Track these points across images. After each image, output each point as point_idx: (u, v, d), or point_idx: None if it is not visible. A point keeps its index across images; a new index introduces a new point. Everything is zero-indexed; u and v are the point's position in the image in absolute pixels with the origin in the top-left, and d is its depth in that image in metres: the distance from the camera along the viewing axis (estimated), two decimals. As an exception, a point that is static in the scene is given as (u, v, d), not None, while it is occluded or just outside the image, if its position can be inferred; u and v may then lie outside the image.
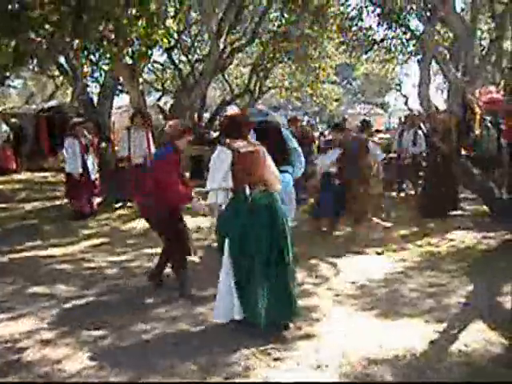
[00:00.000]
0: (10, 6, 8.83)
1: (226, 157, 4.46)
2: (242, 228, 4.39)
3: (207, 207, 5.07)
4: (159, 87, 26.44)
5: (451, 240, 7.55)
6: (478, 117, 9.72)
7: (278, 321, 4.42)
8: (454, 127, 9.05)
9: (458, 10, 12.38)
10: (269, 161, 4.63)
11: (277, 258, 4.36)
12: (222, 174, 4.48)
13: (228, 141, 4.56)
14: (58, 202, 10.73)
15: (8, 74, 19.31)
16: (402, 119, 19.16)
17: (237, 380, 3.67)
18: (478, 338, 4.23)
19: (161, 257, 5.69)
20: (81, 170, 9.19)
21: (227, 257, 4.41)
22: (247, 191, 4.44)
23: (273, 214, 4.43)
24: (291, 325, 4.51)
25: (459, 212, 9.26)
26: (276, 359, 3.95)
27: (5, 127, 15.34)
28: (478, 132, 10.36)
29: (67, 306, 5.20)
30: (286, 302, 4.40)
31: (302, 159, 6.43)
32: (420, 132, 10.25)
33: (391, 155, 11.72)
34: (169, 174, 5.22)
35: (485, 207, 9.23)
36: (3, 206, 10.71)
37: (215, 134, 16.01)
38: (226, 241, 4.44)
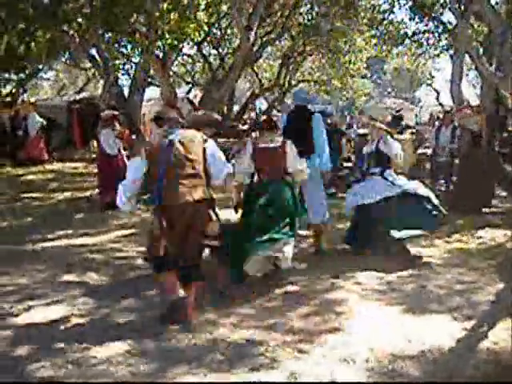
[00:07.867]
0: (45, 1, 9.00)
1: (248, 149, 5.68)
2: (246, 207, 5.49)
3: None
4: (189, 80, 26.61)
5: (481, 237, 7.45)
6: (512, 112, 9.55)
7: None
8: (486, 123, 8.90)
9: (493, 2, 12.13)
10: (291, 156, 5.50)
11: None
12: (245, 162, 5.67)
13: (254, 136, 5.55)
14: (88, 193, 10.89)
15: (41, 66, 19.70)
16: (434, 115, 18.85)
17: (262, 372, 3.70)
18: (507, 336, 4.18)
19: None
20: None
21: None
22: (255, 179, 5.62)
23: (274, 197, 5.34)
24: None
25: (491, 209, 9.12)
26: (303, 352, 3.97)
27: (38, 118, 15.62)
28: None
29: (97, 294, 5.30)
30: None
31: (325, 155, 6.18)
32: (458, 129, 10.08)
33: (421, 151, 11.55)
34: None
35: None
36: (35, 195, 10.92)
37: (244, 127, 16.02)
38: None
